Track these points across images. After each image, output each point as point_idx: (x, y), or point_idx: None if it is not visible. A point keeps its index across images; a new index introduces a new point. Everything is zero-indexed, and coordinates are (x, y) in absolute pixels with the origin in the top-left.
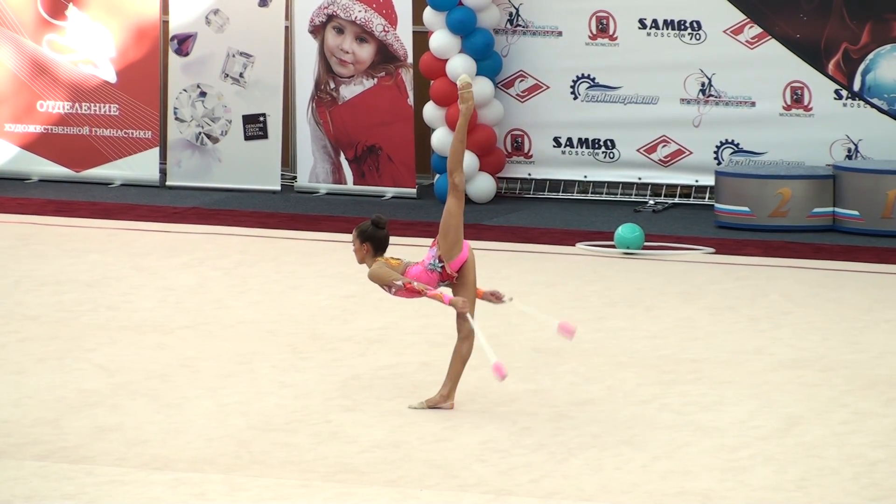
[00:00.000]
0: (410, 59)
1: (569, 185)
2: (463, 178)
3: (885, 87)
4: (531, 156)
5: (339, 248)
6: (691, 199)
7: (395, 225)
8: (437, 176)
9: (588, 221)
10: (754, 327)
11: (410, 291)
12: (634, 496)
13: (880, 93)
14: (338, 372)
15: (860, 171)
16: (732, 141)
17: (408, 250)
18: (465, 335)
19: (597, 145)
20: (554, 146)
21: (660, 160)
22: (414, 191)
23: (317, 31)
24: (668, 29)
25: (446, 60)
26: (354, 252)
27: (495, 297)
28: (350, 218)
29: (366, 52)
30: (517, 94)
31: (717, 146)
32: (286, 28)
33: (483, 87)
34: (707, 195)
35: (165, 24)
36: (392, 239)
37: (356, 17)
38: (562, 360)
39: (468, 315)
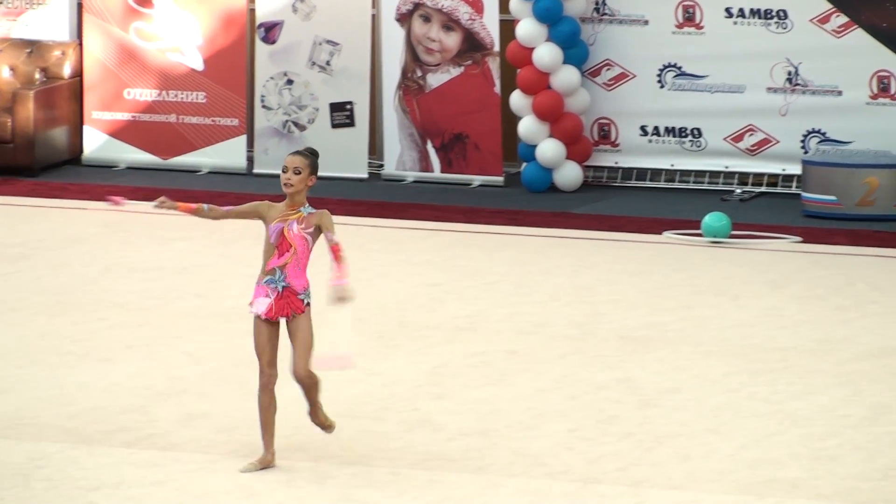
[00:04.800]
0: (497, 48)
1: (656, 173)
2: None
3: None
4: (618, 144)
5: (427, 236)
6: (778, 188)
7: (482, 214)
8: (524, 164)
9: (675, 210)
10: (841, 316)
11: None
12: (722, 485)
13: None
14: (426, 360)
15: None
16: (819, 130)
17: (496, 239)
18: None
19: (683, 134)
20: (641, 135)
21: (746, 149)
22: (501, 179)
23: (403, 19)
24: (754, 17)
25: (533, 49)
26: (295, 182)
27: None
28: (437, 206)
29: (452, 41)
30: (604, 83)
31: (803, 135)
32: (373, 16)
33: (570, 75)
34: (794, 184)
35: (252, 12)
36: (478, 227)
37: (443, 6)
38: (649, 348)
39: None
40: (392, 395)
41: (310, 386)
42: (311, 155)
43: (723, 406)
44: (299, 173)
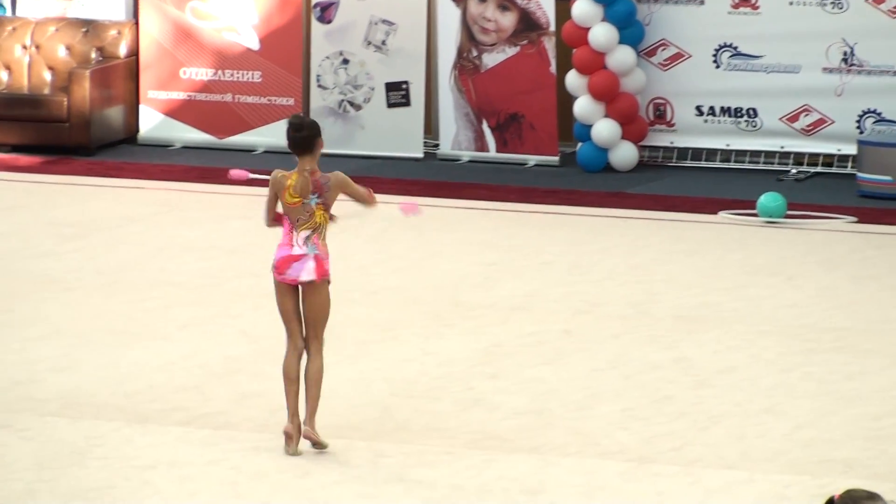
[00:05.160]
0: (553, 28)
1: (711, 153)
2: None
3: None
4: (673, 124)
5: (481, 216)
6: (833, 169)
7: (537, 193)
8: (580, 144)
9: (730, 190)
10: None
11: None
12: (776, 464)
13: None
14: (480, 339)
15: None
16: (874, 110)
17: (551, 218)
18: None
19: (739, 114)
20: (696, 115)
21: (802, 129)
22: (556, 158)
23: None
24: None
25: (588, 29)
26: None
27: None
28: (493, 185)
29: (508, 21)
30: (659, 63)
31: (859, 115)
32: None
33: (625, 55)
34: (849, 164)
35: None
36: (533, 207)
37: None
38: (704, 328)
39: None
40: (447, 375)
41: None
42: (307, 130)
43: (777, 386)
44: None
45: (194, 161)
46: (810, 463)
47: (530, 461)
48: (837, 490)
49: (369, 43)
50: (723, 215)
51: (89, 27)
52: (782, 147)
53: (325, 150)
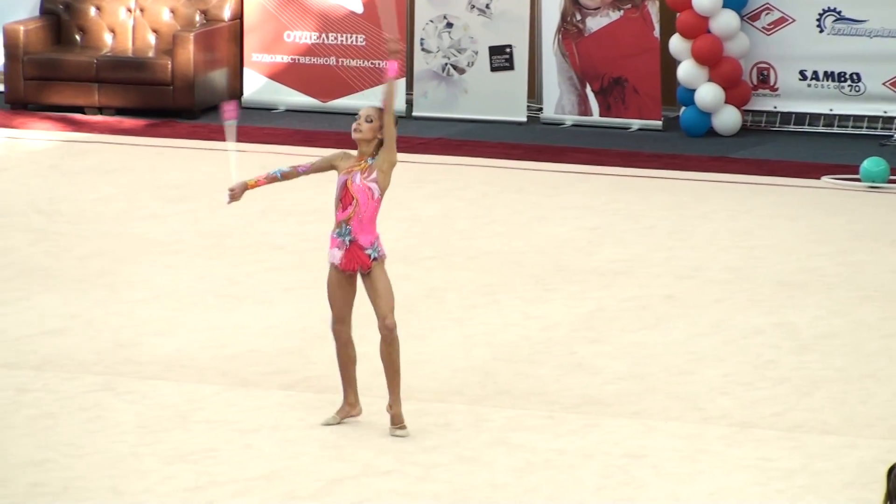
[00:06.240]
0: None
1: (814, 118)
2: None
3: None
4: (777, 89)
5: (584, 180)
6: None
7: (640, 157)
8: (683, 108)
9: (833, 155)
10: None
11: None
12: (879, 430)
13: None
14: (582, 303)
15: None
16: None
17: (653, 182)
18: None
19: (842, 78)
20: (800, 79)
21: None
22: (659, 123)
23: None
24: None
25: None
26: (365, 129)
27: None
28: (596, 150)
29: None
30: (763, 27)
31: None
32: None
33: (729, 19)
34: None
35: None
36: (636, 171)
37: None
38: (806, 293)
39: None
40: (548, 339)
41: (389, 341)
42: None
43: (880, 351)
44: (371, 122)
45: (298, 124)
46: None
47: (632, 425)
48: None
49: (473, 6)
50: (825, 180)
51: None
52: (885, 112)
53: (429, 114)
